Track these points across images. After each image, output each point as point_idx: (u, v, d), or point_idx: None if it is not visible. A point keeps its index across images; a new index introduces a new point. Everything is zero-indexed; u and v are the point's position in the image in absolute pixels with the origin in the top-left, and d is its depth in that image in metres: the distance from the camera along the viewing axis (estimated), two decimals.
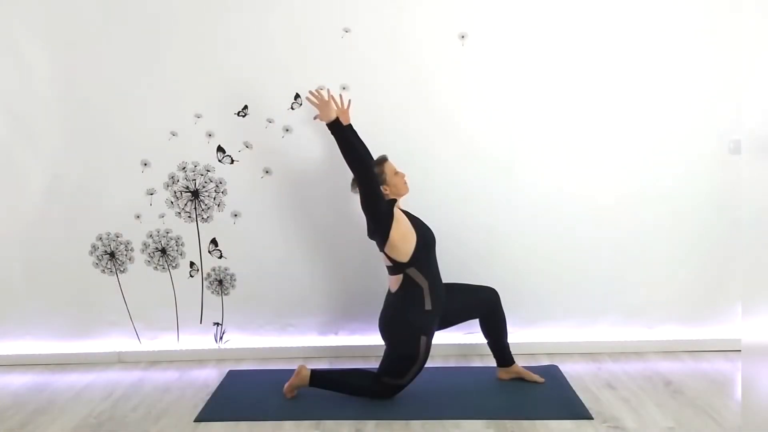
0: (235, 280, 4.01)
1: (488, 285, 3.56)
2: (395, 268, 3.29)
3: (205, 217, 3.97)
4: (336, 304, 4.00)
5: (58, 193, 3.95)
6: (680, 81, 3.75)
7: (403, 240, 3.25)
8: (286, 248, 3.94)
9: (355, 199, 3.41)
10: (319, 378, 3.36)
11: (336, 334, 4.02)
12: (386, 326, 3.33)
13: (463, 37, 3.76)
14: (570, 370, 3.65)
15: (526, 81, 3.78)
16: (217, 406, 3.35)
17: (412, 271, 3.27)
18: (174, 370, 3.89)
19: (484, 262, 3.89)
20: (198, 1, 3.78)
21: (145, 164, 3.93)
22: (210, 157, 3.91)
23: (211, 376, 3.78)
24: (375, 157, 3.45)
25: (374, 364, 3.83)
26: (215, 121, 3.87)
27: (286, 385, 3.39)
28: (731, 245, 3.75)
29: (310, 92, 3.40)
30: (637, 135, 3.79)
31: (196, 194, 3.95)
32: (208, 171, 3.92)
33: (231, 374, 3.77)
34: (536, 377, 3.48)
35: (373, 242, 3.36)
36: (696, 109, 3.76)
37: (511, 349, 3.53)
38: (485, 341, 3.55)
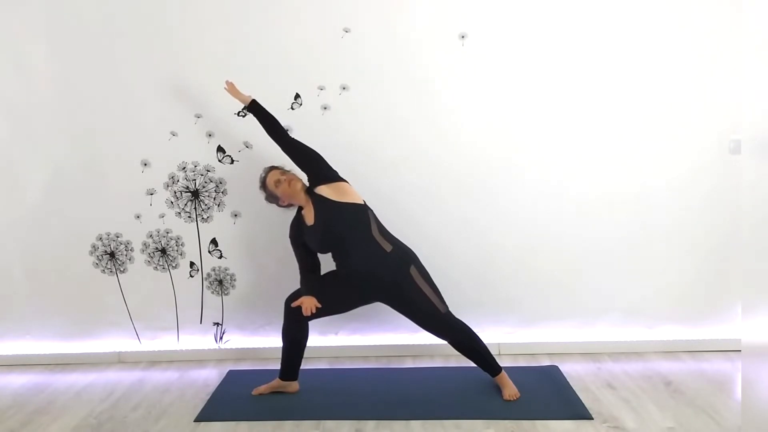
0: (235, 280, 4.01)
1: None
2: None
3: (205, 217, 3.97)
4: None
5: (58, 194, 3.95)
6: (680, 81, 3.74)
7: None
8: (286, 248, 3.93)
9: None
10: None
11: (336, 334, 4.02)
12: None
13: (463, 37, 3.75)
14: (570, 370, 3.65)
15: (526, 81, 3.78)
16: (217, 406, 3.35)
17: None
18: (174, 370, 3.89)
19: (484, 262, 3.89)
20: (197, 1, 3.79)
21: (145, 164, 3.93)
22: (210, 157, 3.91)
23: (211, 376, 3.78)
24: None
25: (374, 364, 3.85)
26: (215, 121, 3.87)
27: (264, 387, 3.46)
28: (731, 245, 3.75)
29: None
30: (636, 135, 3.79)
31: (196, 194, 3.95)
32: (208, 171, 3.92)
33: (231, 374, 3.77)
34: (507, 394, 3.29)
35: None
36: (696, 109, 3.76)
37: (497, 357, 3.44)
38: (488, 342, 3.52)
